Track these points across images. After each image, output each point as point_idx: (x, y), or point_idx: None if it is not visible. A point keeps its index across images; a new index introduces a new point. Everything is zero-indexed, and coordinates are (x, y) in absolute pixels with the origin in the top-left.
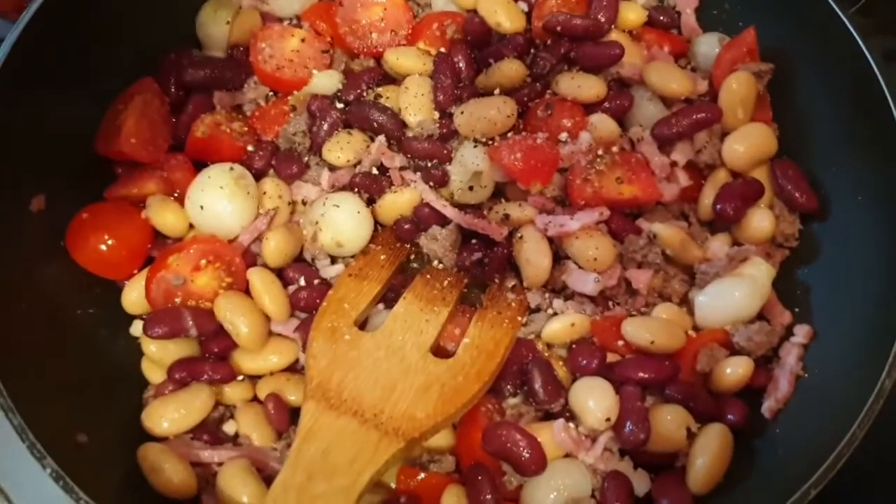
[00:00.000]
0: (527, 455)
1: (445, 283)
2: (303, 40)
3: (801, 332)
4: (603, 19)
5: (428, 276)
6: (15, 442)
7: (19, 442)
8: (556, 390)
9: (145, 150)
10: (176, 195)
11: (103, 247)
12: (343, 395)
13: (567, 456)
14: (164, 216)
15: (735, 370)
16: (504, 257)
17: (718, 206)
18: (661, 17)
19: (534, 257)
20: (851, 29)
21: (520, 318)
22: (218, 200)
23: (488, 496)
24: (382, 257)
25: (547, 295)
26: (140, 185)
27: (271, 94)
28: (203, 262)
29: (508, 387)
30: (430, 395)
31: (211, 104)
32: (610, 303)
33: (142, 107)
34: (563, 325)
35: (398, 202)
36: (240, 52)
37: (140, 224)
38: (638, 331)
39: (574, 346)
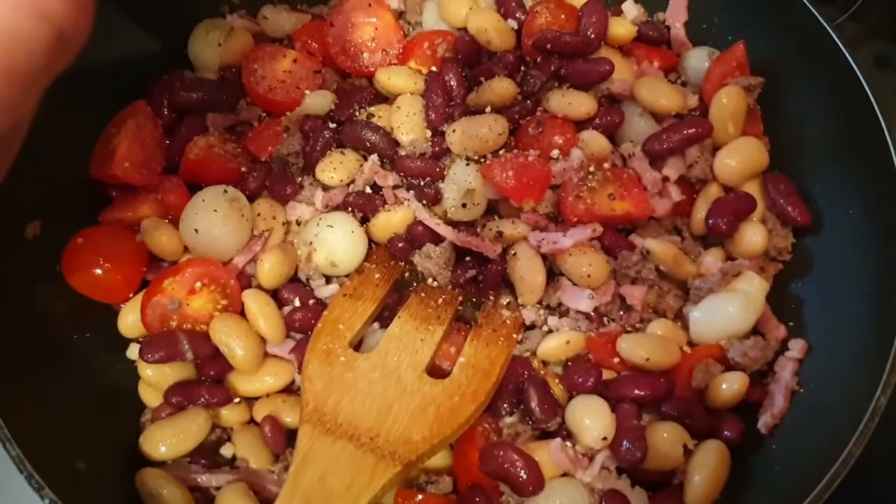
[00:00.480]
0: (524, 475)
1: (440, 300)
2: (294, 61)
3: (796, 347)
4: (592, 36)
5: (422, 295)
6: (12, 471)
7: (16, 472)
8: (553, 409)
9: (139, 173)
10: (170, 218)
11: (99, 271)
12: (339, 419)
13: (564, 475)
14: (158, 239)
15: (731, 386)
16: (498, 274)
17: (711, 221)
18: (651, 32)
19: (528, 274)
20: (838, 40)
21: (515, 336)
22: (212, 223)
23: None
24: (377, 276)
25: (542, 311)
26: (134, 209)
27: (264, 114)
28: (198, 285)
29: (505, 406)
30: (427, 417)
31: (204, 126)
32: (605, 318)
33: (135, 130)
34: (558, 343)
35: (392, 221)
36: (232, 73)
37: (135, 247)
38: (633, 348)
39: (570, 363)
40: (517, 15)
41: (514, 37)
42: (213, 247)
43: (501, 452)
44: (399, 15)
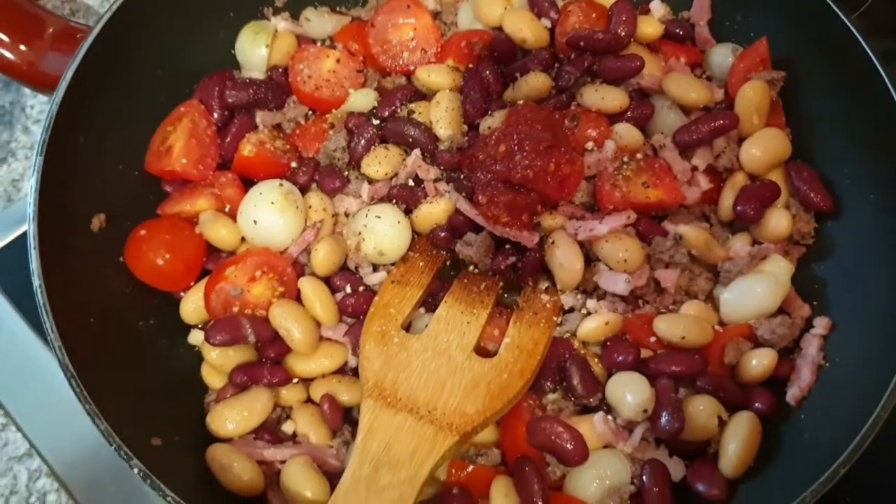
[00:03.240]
0: (570, 446)
1: (482, 286)
2: (338, 61)
3: (821, 324)
4: (623, 33)
5: (465, 281)
6: None
7: None
8: (594, 385)
9: (195, 168)
10: (226, 210)
11: (161, 261)
12: (398, 394)
13: (606, 446)
14: (217, 231)
15: (760, 361)
16: (537, 261)
17: (739, 208)
18: (677, 30)
19: (566, 261)
20: (855, 32)
21: (555, 318)
22: (270, 215)
23: (536, 485)
24: (421, 264)
25: (580, 295)
26: (192, 202)
27: (310, 112)
28: (258, 273)
29: (548, 383)
30: (479, 392)
31: (253, 123)
32: (640, 301)
33: (190, 127)
34: (597, 324)
35: (434, 212)
36: (279, 73)
37: (194, 239)
38: (669, 327)
39: (608, 343)
40: (550, 14)
41: (547, 35)
42: (270, 237)
43: (548, 425)
44: (435, 15)
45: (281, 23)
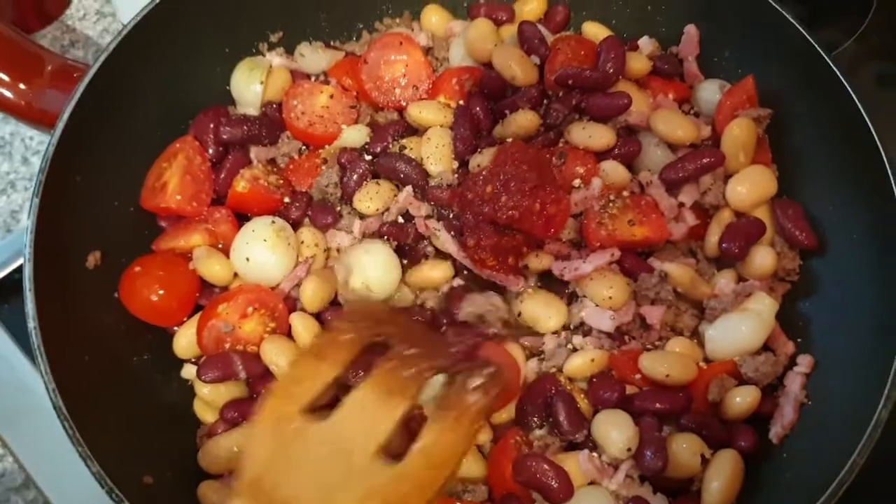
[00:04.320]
0: (555, 484)
1: (411, 372)
2: (331, 96)
3: (804, 362)
4: (611, 70)
5: (393, 363)
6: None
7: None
8: (580, 422)
9: (189, 205)
10: (220, 246)
11: (154, 297)
12: (275, 500)
13: (591, 483)
14: (211, 267)
15: (744, 399)
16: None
17: (724, 245)
18: (665, 66)
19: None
20: (837, 72)
21: (478, 424)
22: (262, 252)
23: None
24: (348, 337)
25: (563, 334)
26: (186, 238)
27: (304, 147)
28: (250, 309)
29: (535, 419)
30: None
31: (248, 159)
32: (626, 337)
33: (185, 164)
34: (583, 361)
35: (433, 277)
36: (273, 109)
37: (188, 274)
38: (654, 365)
39: (594, 379)
40: (540, 51)
41: (536, 72)
42: (262, 273)
43: (534, 463)
44: (427, 51)
45: (276, 58)
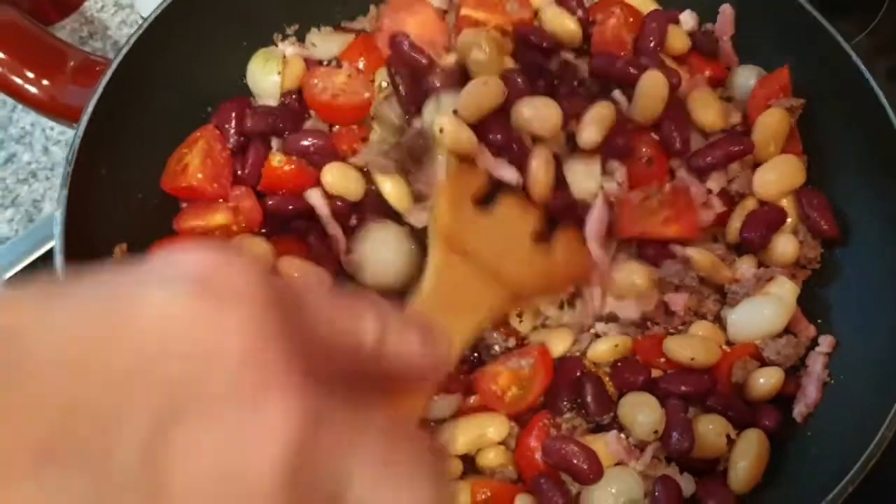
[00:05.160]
0: (585, 466)
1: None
2: (349, 76)
3: (825, 342)
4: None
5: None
6: None
7: None
8: (608, 404)
9: (211, 185)
10: (243, 226)
11: None
12: (466, 249)
13: (618, 464)
14: None
15: (768, 380)
16: None
17: (745, 235)
18: (705, 45)
19: None
20: (860, 64)
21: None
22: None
23: (559, 500)
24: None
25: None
26: (208, 217)
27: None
28: None
29: (564, 402)
30: (534, 266)
31: (268, 149)
32: (648, 323)
33: (206, 149)
34: (608, 347)
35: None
36: (292, 98)
37: None
38: (679, 348)
39: (619, 363)
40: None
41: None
42: None
43: (563, 445)
44: (444, 14)
45: (289, 48)
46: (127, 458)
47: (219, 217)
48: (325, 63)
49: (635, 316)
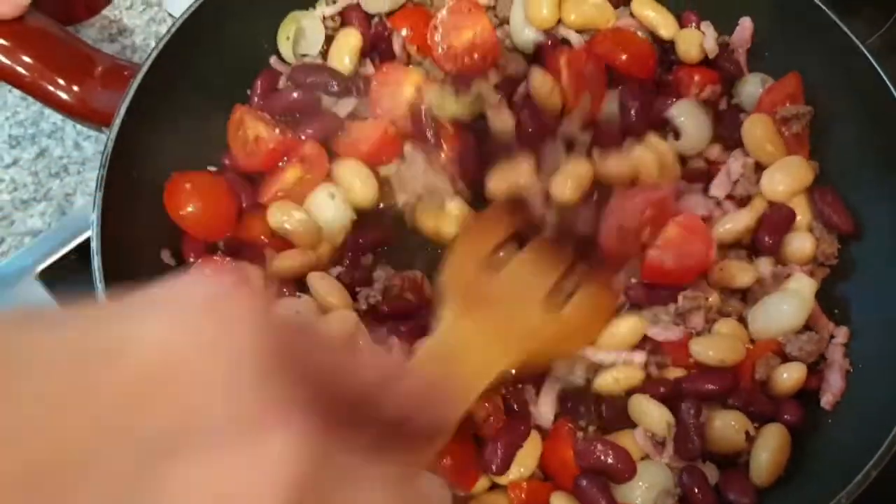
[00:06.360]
0: (620, 465)
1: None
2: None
3: (841, 333)
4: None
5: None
6: None
7: None
8: (622, 415)
9: (286, 139)
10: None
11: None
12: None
13: (644, 458)
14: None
15: (791, 375)
16: None
17: (758, 238)
18: (726, 64)
19: None
20: (876, 66)
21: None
22: None
23: (602, 500)
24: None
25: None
26: (284, 178)
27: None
28: None
29: (582, 408)
30: (543, 333)
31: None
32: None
33: (257, 116)
34: (613, 379)
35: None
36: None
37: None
38: (705, 349)
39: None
40: None
41: None
42: None
43: (596, 447)
44: (488, 9)
45: (326, 9)
46: (112, 491)
47: (292, 172)
48: (373, 18)
49: (679, 336)
